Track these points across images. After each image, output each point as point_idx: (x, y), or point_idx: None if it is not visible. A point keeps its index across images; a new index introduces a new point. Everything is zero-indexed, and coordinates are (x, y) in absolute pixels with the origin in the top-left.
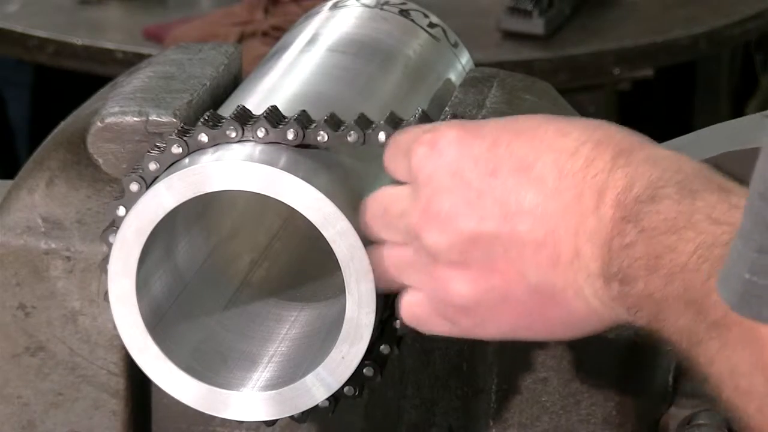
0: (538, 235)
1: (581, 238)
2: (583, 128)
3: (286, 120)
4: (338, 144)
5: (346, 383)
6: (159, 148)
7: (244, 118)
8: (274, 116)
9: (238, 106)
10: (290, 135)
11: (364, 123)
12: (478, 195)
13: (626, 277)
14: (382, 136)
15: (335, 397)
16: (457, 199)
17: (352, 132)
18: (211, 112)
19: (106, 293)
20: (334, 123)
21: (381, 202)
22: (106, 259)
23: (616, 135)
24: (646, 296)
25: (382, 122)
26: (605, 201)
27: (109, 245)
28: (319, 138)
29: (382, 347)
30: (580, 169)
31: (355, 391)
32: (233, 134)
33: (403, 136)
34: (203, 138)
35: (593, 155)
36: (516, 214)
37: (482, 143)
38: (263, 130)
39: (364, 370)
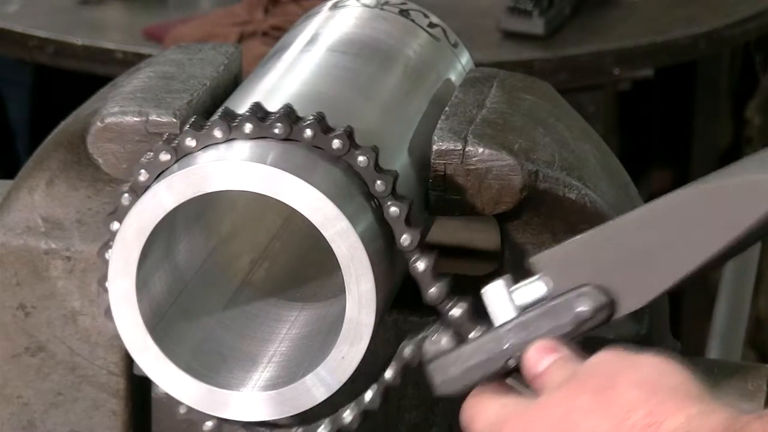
0: None
1: None
2: None
3: (304, 120)
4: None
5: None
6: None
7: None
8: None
9: (254, 103)
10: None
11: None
12: None
13: None
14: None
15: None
16: None
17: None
18: (225, 108)
19: (107, 310)
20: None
21: None
22: (105, 246)
23: None
24: None
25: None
26: None
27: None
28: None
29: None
30: None
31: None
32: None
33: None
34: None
35: None
36: None
37: None
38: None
39: None
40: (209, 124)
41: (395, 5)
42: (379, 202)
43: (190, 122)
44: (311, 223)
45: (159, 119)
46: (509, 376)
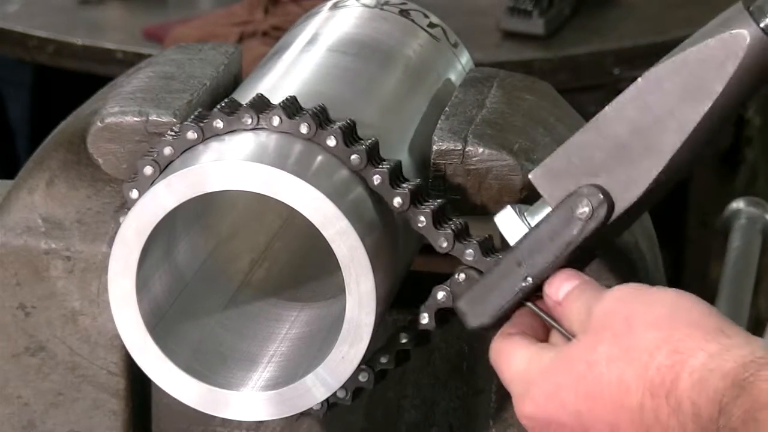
0: None
1: None
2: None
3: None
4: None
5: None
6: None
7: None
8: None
9: (257, 94)
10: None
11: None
12: None
13: None
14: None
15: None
16: None
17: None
18: (230, 99)
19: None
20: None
21: None
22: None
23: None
24: None
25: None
26: None
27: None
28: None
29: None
30: None
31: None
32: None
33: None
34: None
35: None
36: None
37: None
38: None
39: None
40: (240, 109)
41: (395, 5)
42: (361, 175)
43: (221, 106)
44: (311, 223)
45: (159, 119)
46: (531, 297)
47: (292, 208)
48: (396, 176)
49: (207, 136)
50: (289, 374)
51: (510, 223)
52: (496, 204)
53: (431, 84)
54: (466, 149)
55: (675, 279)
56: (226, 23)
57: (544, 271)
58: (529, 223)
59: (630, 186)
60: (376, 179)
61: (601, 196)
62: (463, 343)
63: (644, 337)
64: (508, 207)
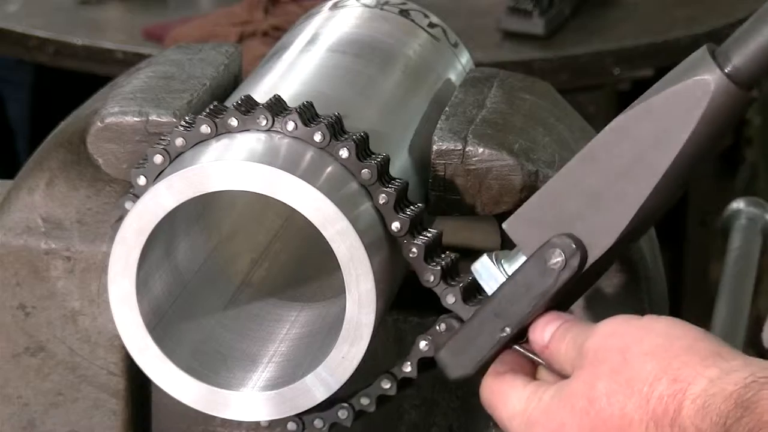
0: None
1: None
2: None
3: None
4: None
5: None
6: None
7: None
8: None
9: (242, 95)
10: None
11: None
12: None
13: None
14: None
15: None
16: None
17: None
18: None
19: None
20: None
21: None
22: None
23: None
24: None
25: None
26: None
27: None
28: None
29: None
30: None
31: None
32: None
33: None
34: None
35: None
36: None
37: None
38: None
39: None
40: (257, 108)
41: (395, 5)
42: (368, 190)
43: (237, 103)
44: (311, 223)
45: (159, 119)
46: (513, 344)
47: (293, 208)
48: (401, 198)
49: (220, 131)
50: (289, 374)
51: (487, 272)
52: (496, 204)
53: (431, 84)
54: (466, 149)
55: (675, 279)
56: (226, 23)
57: (521, 321)
58: (506, 272)
59: (603, 233)
60: (382, 198)
61: (574, 246)
62: None
63: (642, 368)
64: (485, 256)
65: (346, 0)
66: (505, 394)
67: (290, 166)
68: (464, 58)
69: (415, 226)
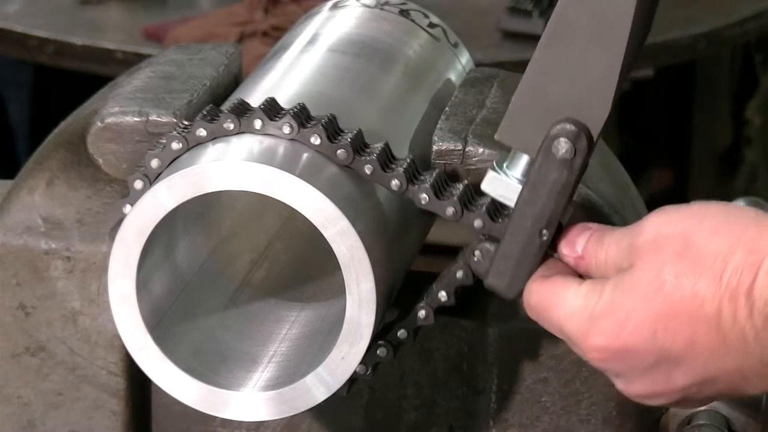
0: None
1: None
2: None
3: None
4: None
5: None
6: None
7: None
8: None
9: (237, 99)
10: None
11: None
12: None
13: None
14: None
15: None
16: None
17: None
18: (211, 107)
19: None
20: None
21: None
22: (116, 227)
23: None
24: None
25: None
26: None
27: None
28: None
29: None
30: None
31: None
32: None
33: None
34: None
35: None
36: None
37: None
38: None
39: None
40: (252, 111)
41: (395, 5)
42: (352, 167)
43: (233, 106)
44: (311, 223)
45: (159, 119)
46: (554, 247)
47: (292, 208)
48: (386, 159)
49: (216, 135)
50: (289, 374)
51: (500, 186)
52: None
53: (431, 84)
54: (466, 149)
55: None
56: (226, 23)
57: (555, 218)
58: (516, 178)
59: (597, 103)
60: (368, 169)
61: (575, 129)
62: (463, 344)
63: (711, 245)
64: (490, 172)
65: (346, 0)
66: (558, 294)
67: (290, 165)
68: (464, 58)
69: (414, 176)
